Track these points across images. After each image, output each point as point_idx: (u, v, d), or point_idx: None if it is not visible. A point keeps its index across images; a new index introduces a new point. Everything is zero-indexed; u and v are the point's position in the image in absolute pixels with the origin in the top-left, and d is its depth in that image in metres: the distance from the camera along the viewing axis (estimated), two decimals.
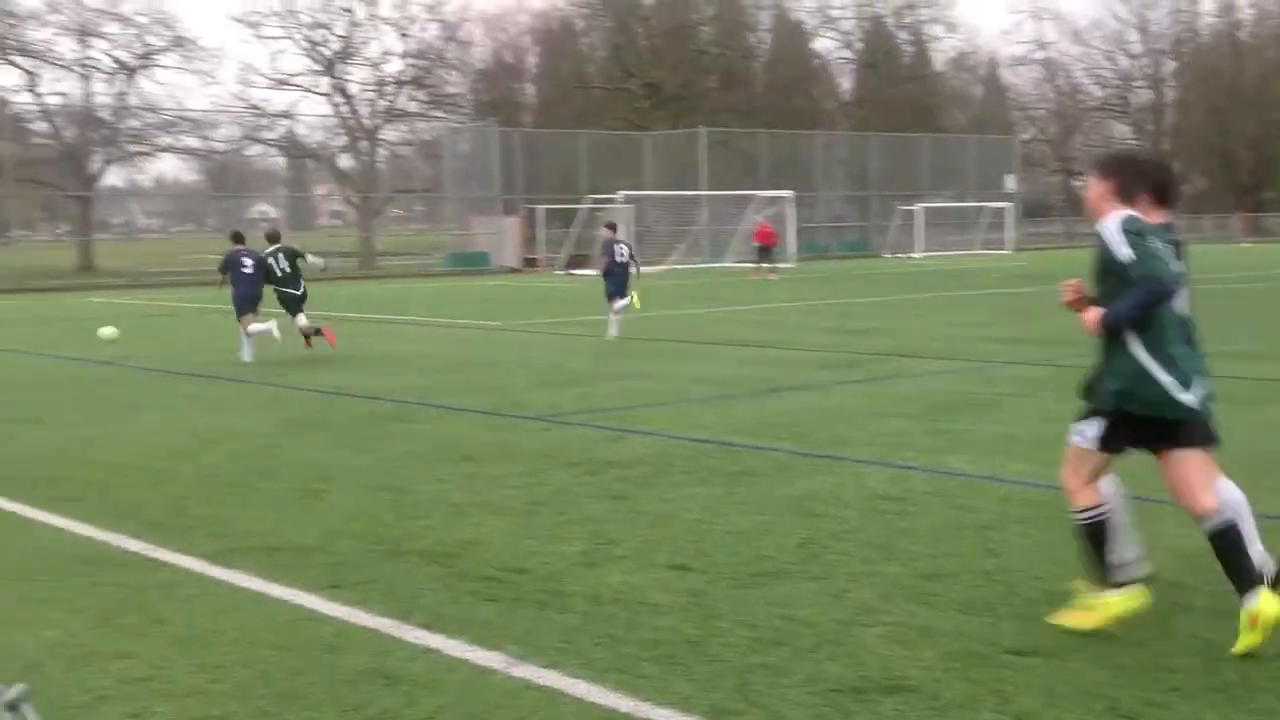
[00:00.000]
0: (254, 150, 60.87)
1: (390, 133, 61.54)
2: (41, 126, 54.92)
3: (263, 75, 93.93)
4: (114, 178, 58.02)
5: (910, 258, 54.43)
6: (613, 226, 21.92)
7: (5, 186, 47.11)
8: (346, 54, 59.50)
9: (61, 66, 54.15)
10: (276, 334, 17.50)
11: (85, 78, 55.00)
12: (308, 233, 61.76)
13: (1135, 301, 5.16)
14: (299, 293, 17.99)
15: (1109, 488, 5.80)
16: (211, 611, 5.96)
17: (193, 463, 9.81)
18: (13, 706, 0.85)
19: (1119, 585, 5.42)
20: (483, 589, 6.22)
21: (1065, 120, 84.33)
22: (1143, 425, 5.39)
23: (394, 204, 68.36)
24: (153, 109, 54.92)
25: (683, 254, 50.18)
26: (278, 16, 58.71)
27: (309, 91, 59.87)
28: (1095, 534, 5.54)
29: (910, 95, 73.77)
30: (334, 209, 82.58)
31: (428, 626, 5.63)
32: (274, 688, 4.94)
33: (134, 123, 54.70)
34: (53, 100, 54.12)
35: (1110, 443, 5.59)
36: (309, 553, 6.99)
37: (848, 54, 78.55)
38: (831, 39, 77.86)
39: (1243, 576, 5.18)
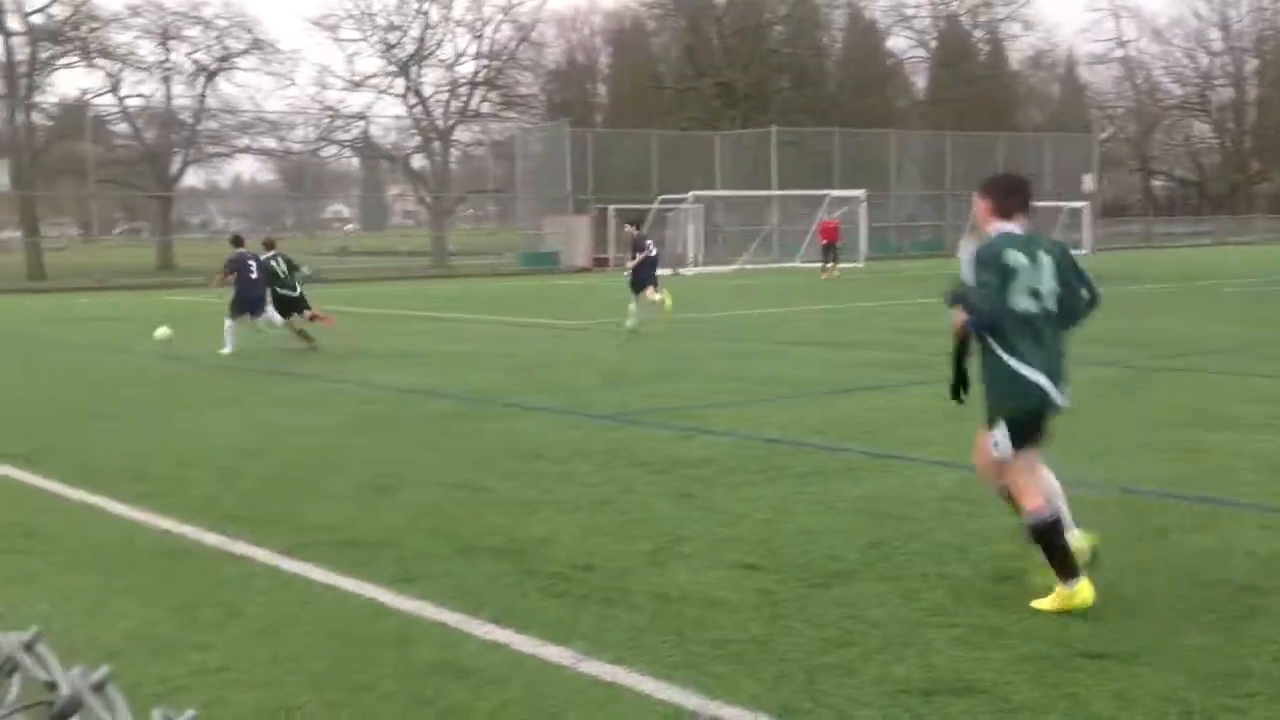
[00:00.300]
0: (329, 151, 61.62)
1: (463, 133, 61.99)
2: (123, 128, 55.94)
3: (339, 77, 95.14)
4: (192, 179, 58.97)
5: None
6: (636, 224, 23.14)
7: (88, 187, 48.03)
8: (421, 55, 60.02)
9: (143, 69, 55.17)
10: (278, 321, 19.15)
11: (166, 80, 55.98)
12: (380, 233, 62.34)
13: (974, 323, 6.21)
14: (296, 294, 19.23)
15: (1048, 483, 6.16)
16: (286, 604, 6.05)
17: (267, 458, 9.95)
18: (99, 687, 0.88)
19: (1075, 574, 5.75)
20: (551, 585, 6.26)
21: (1144, 119, 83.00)
22: (1032, 423, 6.12)
23: (466, 204, 68.85)
24: (231, 111, 55.79)
25: (753, 254, 49.99)
26: (354, 19, 59.39)
27: (384, 93, 60.47)
28: (1051, 531, 5.85)
29: (986, 94, 72.99)
30: (407, 209, 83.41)
31: (496, 621, 5.68)
32: (346, 679, 5.00)
33: (213, 124, 55.54)
34: (134, 102, 55.16)
35: (1022, 444, 6.07)
36: (380, 547, 7.07)
37: (922, 53, 77.95)
38: (906, 38, 77.30)
39: (1064, 567, 5.77)
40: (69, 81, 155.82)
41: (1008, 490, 6.10)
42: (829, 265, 40.51)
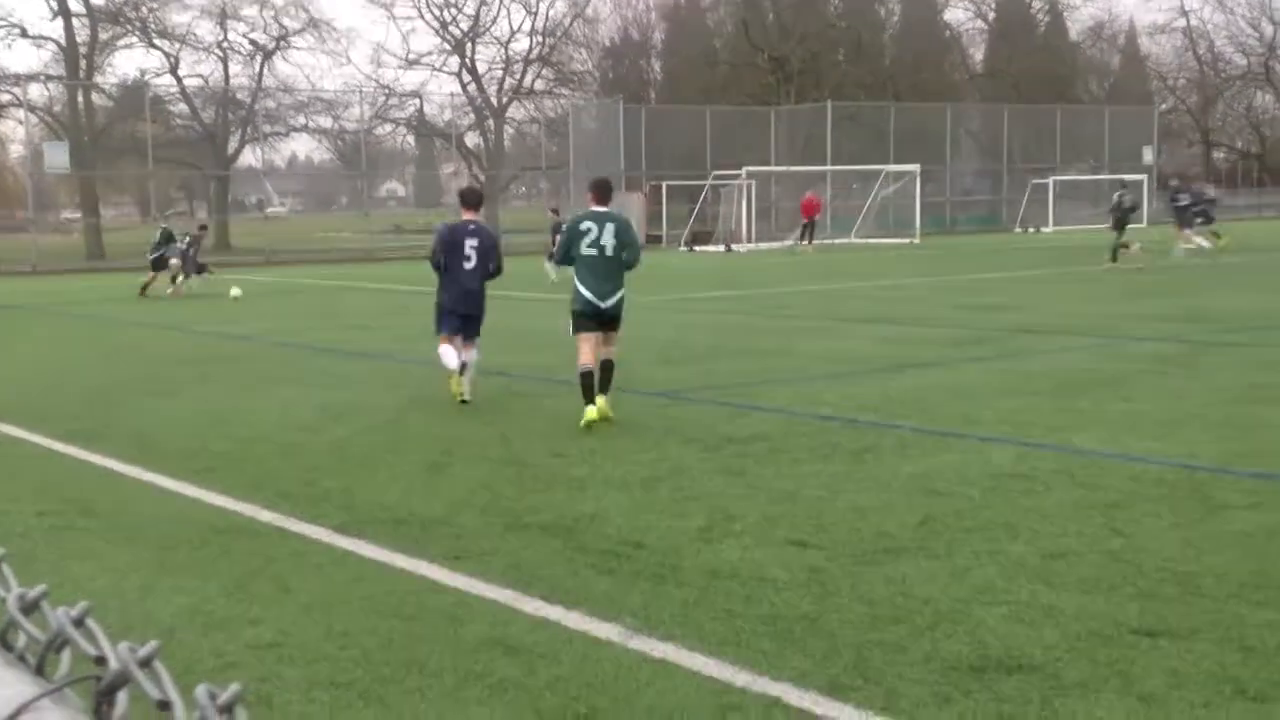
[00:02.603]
0: (384, 129, 61.93)
1: (517, 110, 62.12)
2: (181, 108, 56.49)
3: (394, 55, 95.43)
4: (249, 158, 59.46)
5: (1041, 231, 53.27)
6: (555, 210, 27.17)
7: (147, 167, 48.60)
8: (476, 33, 60.16)
9: (201, 49, 55.66)
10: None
11: (223, 60, 56.45)
12: (433, 210, 62.58)
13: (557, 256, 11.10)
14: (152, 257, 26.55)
15: (592, 353, 10.31)
16: (338, 581, 6.11)
17: (322, 436, 10.05)
18: (145, 662, 0.89)
19: (590, 404, 10.06)
20: (601, 562, 6.28)
21: (1206, 90, 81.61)
22: (592, 316, 10.36)
23: (519, 181, 68.98)
24: (287, 90, 56.19)
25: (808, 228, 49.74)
26: None
27: (438, 71, 60.90)
28: (583, 378, 10.19)
29: (1044, 66, 72.02)
30: (460, 186, 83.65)
31: (546, 598, 5.71)
32: (397, 655, 5.05)
33: (269, 103, 55.97)
34: (192, 82, 55.68)
35: (580, 328, 10.42)
36: (432, 524, 7.12)
37: (980, 24, 77.03)
38: (964, 9, 76.39)
39: (585, 398, 10.09)
40: (129, 62, 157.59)
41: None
42: (805, 241, 41.01)
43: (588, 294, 10.28)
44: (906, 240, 47.48)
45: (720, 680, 4.72)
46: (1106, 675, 4.65)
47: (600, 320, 10.35)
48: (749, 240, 46.40)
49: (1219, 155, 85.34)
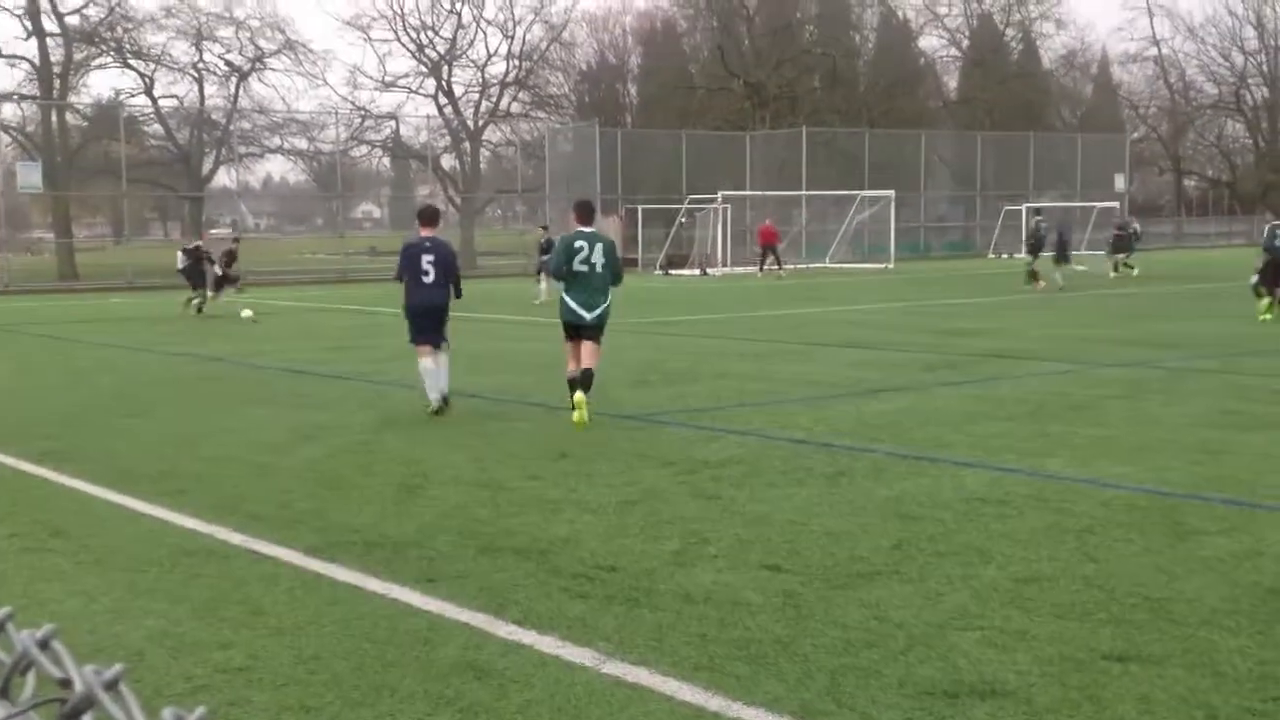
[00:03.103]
0: (359, 151, 61.90)
1: (493, 133, 62.20)
2: (156, 129, 56.33)
3: (370, 77, 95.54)
4: (224, 179, 59.30)
5: (1014, 257, 53.59)
6: (545, 227, 27.81)
7: (121, 187, 48.39)
8: (452, 56, 60.25)
9: (176, 69, 55.53)
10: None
11: (198, 80, 56.34)
12: (410, 232, 62.51)
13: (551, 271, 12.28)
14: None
15: (576, 362, 11.50)
16: (310, 604, 6.07)
17: (294, 458, 10.00)
18: (111, 686, 0.88)
19: (573, 408, 11.20)
20: (575, 586, 6.26)
21: (1178, 119, 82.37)
22: (571, 327, 11.48)
23: (495, 204, 69.00)
24: (263, 111, 56.09)
25: (783, 254, 49.92)
26: (386, 19, 59.65)
27: (414, 93, 60.77)
28: (570, 383, 11.37)
29: (1018, 93, 72.62)
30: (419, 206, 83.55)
31: (520, 622, 5.68)
32: (368, 679, 5.02)
33: (244, 124, 55.85)
34: (167, 103, 55.54)
35: (568, 337, 11.59)
36: (406, 547, 7.09)
37: (954, 52, 77.64)
38: (938, 37, 77.02)
39: (571, 399, 11.25)
40: (103, 82, 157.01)
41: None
42: (768, 267, 42.21)
43: (576, 306, 11.44)
44: (881, 266, 47.71)
45: (694, 705, 4.70)
46: (1078, 700, 4.66)
47: (584, 330, 11.46)
48: (724, 264, 46.51)
49: (1190, 183, 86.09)
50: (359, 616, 5.84)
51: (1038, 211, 36.81)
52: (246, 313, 25.20)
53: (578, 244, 11.44)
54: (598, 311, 11.46)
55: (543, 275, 28.22)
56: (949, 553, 6.75)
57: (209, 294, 26.80)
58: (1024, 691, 4.75)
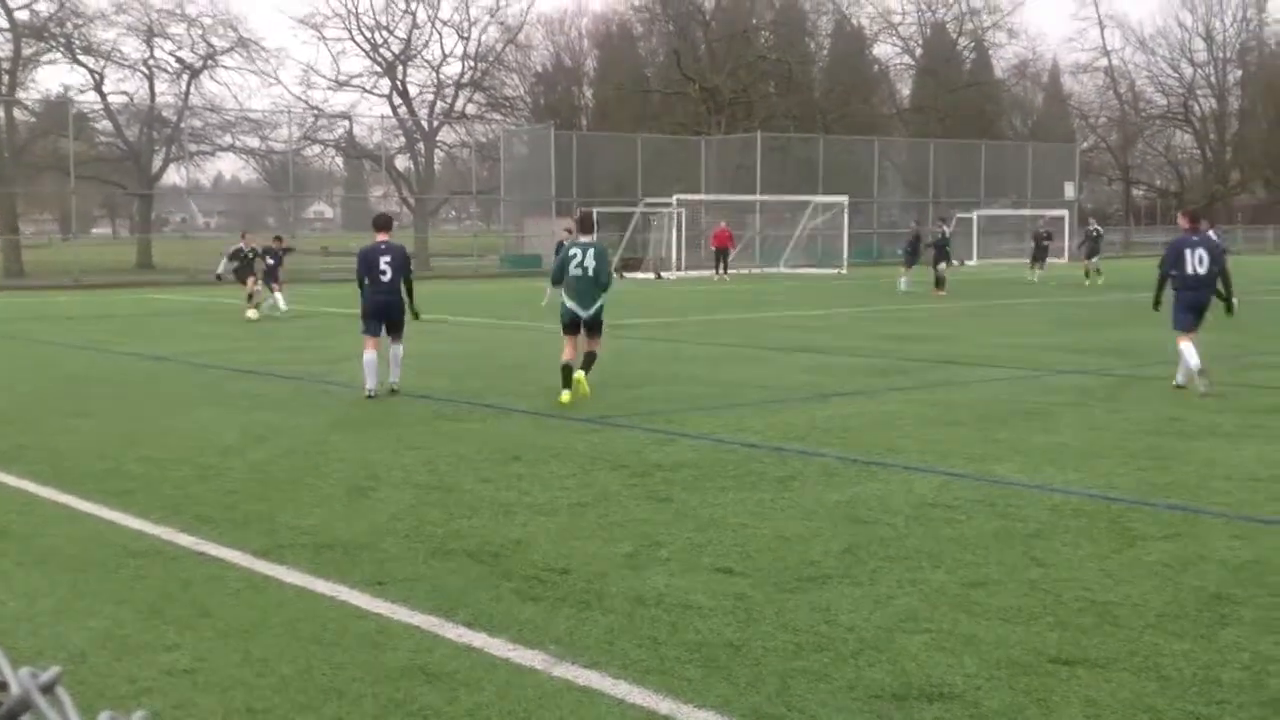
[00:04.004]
0: (312, 151, 61.49)
1: (448, 134, 61.97)
2: (105, 125, 55.73)
3: (323, 76, 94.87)
4: (174, 177, 58.73)
5: (965, 264, 54.01)
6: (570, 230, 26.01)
7: (70, 184, 47.83)
8: (407, 56, 60.00)
9: (126, 66, 54.94)
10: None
11: (149, 77, 55.76)
12: (362, 233, 62.13)
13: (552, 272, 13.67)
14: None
15: (573, 351, 12.89)
16: (257, 606, 6.01)
17: (243, 459, 9.91)
18: (48, 688, 0.86)
19: (567, 388, 12.68)
20: (526, 589, 6.24)
21: (1127, 129, 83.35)
22: (571, 324, 12.94)
23: (449, 205, 68.77)
24: (214, 109, 55.61)
25: (736, 259, 50.08)
26: (340, 18, 59.35)
27: (368, 93, 60.55)
28: (564, 369, 12.76)
29: (970, 102, 73.25)
30: (390, 209, 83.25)
31: (470, 625, 5.66)
32: (316, 682, 4.98)
33: (196, 122, 55.33)
34: (117, 99, 54.95)
35: (566, 333, 13.03)
36: (356, 550, 7.04)
37: (907, 60, 78.21)
38: (891, 45, 77.57)
39: (564, 383, 12.71)
40: (52, 78, 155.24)
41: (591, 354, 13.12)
42: (721, 272, 42.91)
43: (573, 306, 12.93)
44: (834, 271, 47.92)
45: (644, 708, 4.70)
46: (1025, 704, 4.70)
47: (580, 326, 13.00)
48: (679, 268, 46.57)
49: (1139, 193, 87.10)
50: (307, 619, 5.79)
51: (943, 220, 37.98)
52: (252, 313, 25.05)
53: (573, 252, 12.92)
54: (593, 310, 12.94)
55: None
56: (899, 557, 6.79)
57: (261, 289, 25.92)
58: (971, 695, 4.78)
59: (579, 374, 12.76)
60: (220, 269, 26.58)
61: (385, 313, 13.45)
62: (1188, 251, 13.77)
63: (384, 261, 13.35)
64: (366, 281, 13.46)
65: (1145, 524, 7.50)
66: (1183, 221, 14.23)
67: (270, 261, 25.99)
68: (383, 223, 13.96)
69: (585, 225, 13.40)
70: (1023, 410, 12.20)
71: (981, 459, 9.65)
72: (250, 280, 25.88)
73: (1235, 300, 13.64)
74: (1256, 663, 5.09)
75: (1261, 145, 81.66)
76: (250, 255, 26.07)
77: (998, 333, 21.17)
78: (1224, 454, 9.80)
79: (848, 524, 7.54)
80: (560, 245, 26.01)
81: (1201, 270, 13.74)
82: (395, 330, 13.60)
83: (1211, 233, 16.22)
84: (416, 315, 14.02)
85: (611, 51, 71.38)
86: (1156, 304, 14.55)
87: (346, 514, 7.94)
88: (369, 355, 13.34)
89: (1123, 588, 6.16)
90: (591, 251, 12.87)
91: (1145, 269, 32.35)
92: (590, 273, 12.81)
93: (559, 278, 13.11)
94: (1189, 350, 13.31)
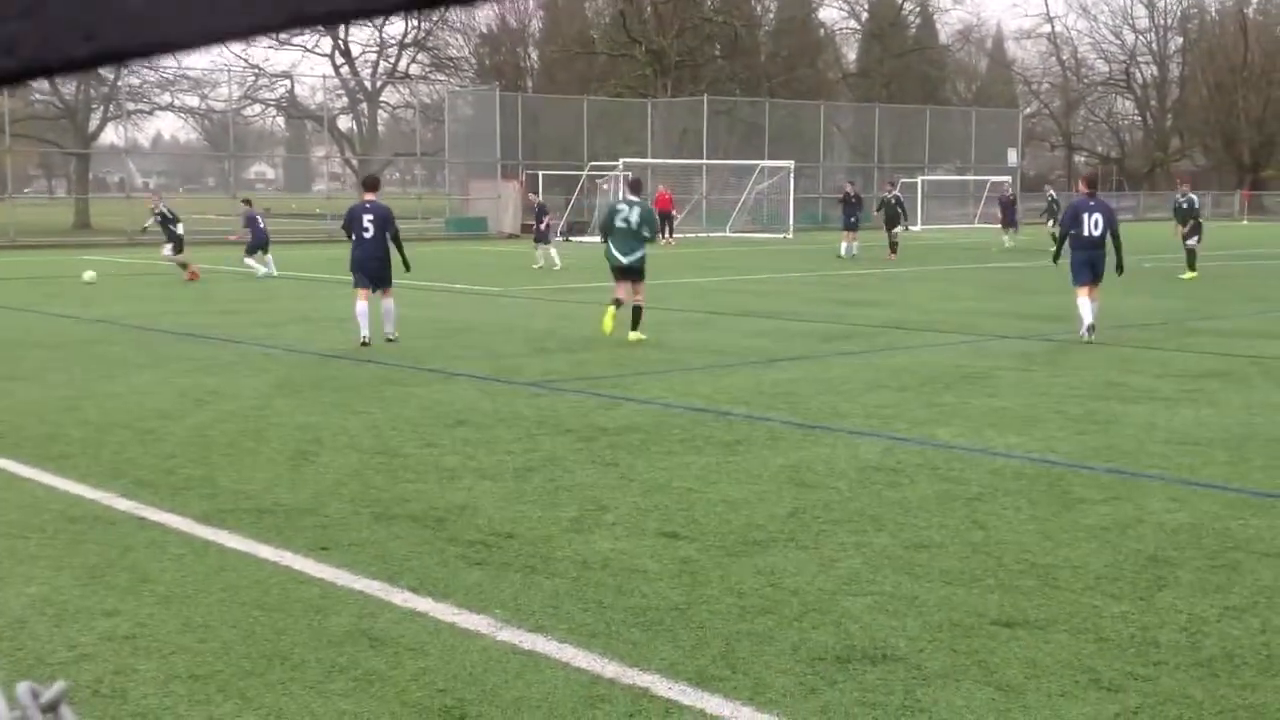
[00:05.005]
0: (253, 111, 60.70)
1: (391, 95, 61.43)
2: (40, 83, 54.66)
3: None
4: (112, 136, 57.78)
5: (909, 230, 54.32)
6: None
7: (4, 143, 46.94)
8: None
9: None
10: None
11: None
12: (305, 195, 61.62)
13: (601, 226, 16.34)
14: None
15: (623, 291, 14.94)
16: (199, 571, 5.96)
17: (184, 423, 9.80)
18: (50, 708, 0.83)
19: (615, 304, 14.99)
20: (471, 553, 6.22)
21: (1069, 95, 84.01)
22: (617, 270, 15.03)
23: (393, 167, 68.19)
24: (152, 67, 54.64)
25: (682, 222, 50.07)
26: None
27: (310, 51, 60.04)
28: (616, 302, 14.93)
29: (915, 67, 73.48)
30: (333, 171, 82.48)
31: (415, 590, 5.64)
32: (259, 648, 4.94)
33: (133, 80, 54.41)
34: None
35: (616, 279, 15.20)
36: (299, 514, 6.99)
37: (853, 24, 78.29)
38: (837, 9, 77.66)
39: (616, 306, 14.96)
40: None
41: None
42: (666, 236, 42.46)
43: (617, 254, 14.97)
44: (780, 235, 48.03)
45: (589, 671, 4.71)
46: (967, 665, 4.75)
47: (625, 271, 14.97)
48: None
49: (1080, 159, 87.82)
50: (250, 584, 5.75)
51: (891, 185, 38.22)
52: (89, 274, 24.25)
53: (619, 208, 15.27)
54: (634, 257, 14.89)
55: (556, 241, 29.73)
56: (843, 520, 6.84)
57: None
58: (914, 656, 4.83)
59: (632, 333, 14.87)
60: (148, 223, 27.00)
61: (367, 267, 14.50)
62: (1085, 214, 15.15)
63: (367, 219, 14.46)
64: (352, 237, 14.63)
65: (1085, 487, 7.60)
66: (1082, 187, 15.84)
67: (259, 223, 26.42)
68: (370, 183, 15.17)
69: (635, 188, 15.97)
70: (966, 375, 12.31)
71: (924, 423, 9.73)
72: (169, 247, 26.06)
73: (1125, 260, 15.18)
74: (1193, 624, 5.18)
75: (1201, 112, 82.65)
76: (173, 217, 26.09)
77: (942, 298, 21.32)
78: (1162, 418, 9.94)
79: (793, 488, 7.58)
80: (612, 205, 28.14)
81: (1096, 232, 15.06)
82: (381, 284, 14.59)
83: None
84: (408, 268, 15.22)
85: (557, 12, 70.87)
86: (1056, 258, 16.93)
87: (289, 478, 7.88)
88: (360, 305, 14.46)
89: (1062, 550, 6.24)
90: (637, 209, 15.06)
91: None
92: (633, 226, 14.92)
93: (608, 230, 15.14)
94: (1084, 304, 14.91)
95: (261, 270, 26.14)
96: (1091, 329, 14.76)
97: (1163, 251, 30.59)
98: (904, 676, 4.64)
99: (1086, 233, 15.06)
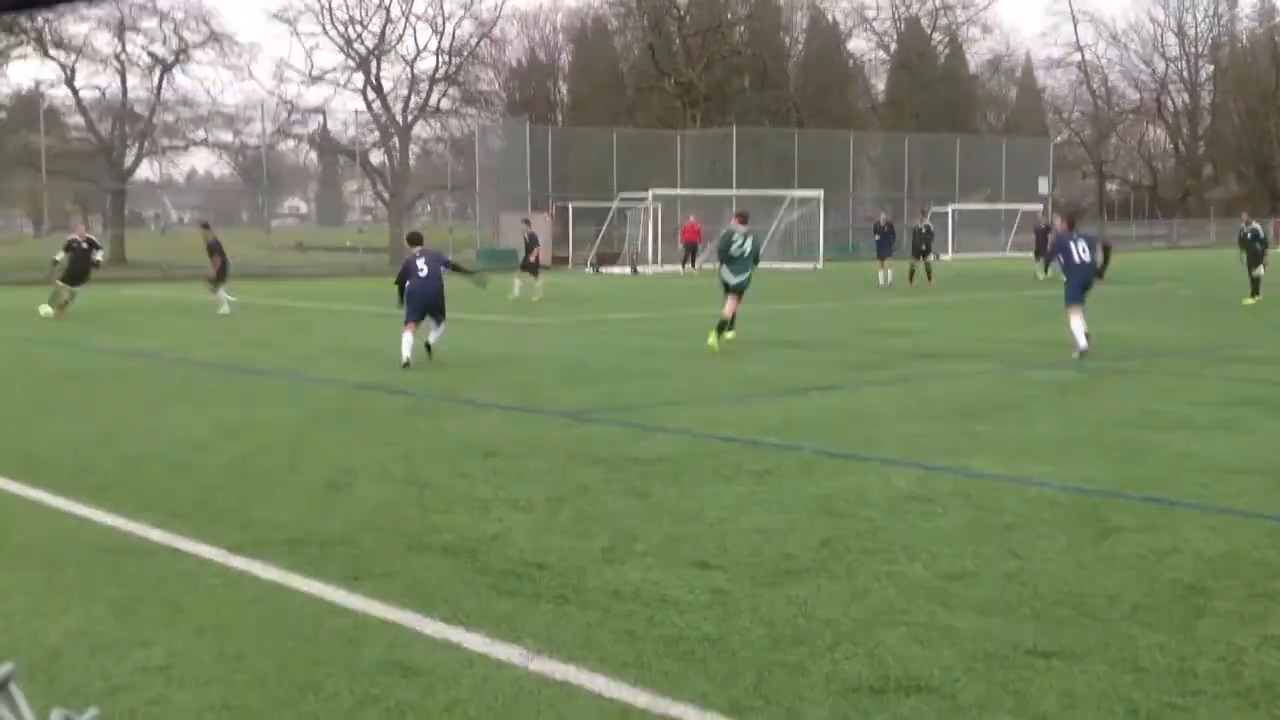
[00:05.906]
0: (286, 145, 61.16)
1: (423, 129, 61.72)
2: (77, 120, 55.28)
3: (297, 71, 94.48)
4: (147, 172, 58.28)
5: (940, 258, 54.17)
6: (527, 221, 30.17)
7: (41, 179, 47.48)
8: (381, 50, 59.69)
9: (98, 61, 54.50)
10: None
11: (121, 72, 55.33)
12: (337, 228, 61.96)
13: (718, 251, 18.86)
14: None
15: (730, 310, 17.72)
16: (232, 602, 5.98)
17: (218, 454, 9.85)
18: (1, 685, 0.84)
19: (721, 330, 17.46)
20: (503, 584, 6.22)
21: (1100, 124, 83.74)
22: (731, 289, 17.70)
23: (424, 200, 68.54)
24: (187, 103, 55.22)
25: (710, 254, 50.11)
26: (313, 12, 58.99)
27: (343, 87, 60.20)
28: (723, 324, 17.56)
29: (944, 97, 73.42)
30: (365, 205, 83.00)
31: (447, 620, 5.63)
32: (292, 678, 4.95)
33: (168, 117, 54.95)
34: (89, 94, 54.50)
35: (730, 293, 17.82)
36: (331, 545, 7.00)
37: (882, 55, 78.35)
38: (866, 40, 77.68)
39: (720, 328, 17.49)
40: (23, 72, 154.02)
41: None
42: (688, 266, 43.33)
43: (732, 276, 17.55)
44: (810, 265, 47.97)
45: (621, 702, 4.69)
46: (1002, 696, 4.70)
47: (734, 289, 17.54)
48: (654, 262, 46.56)
49: (1112, 187, 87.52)
50: (283, 615, 5.76)
51: (924, 213, 38.18)
52: (45, 309, 23.91)
53: (735, 237, 17.62)
54: (742, 278, 17.52)
55: (536, 271, 29.94)
56: (876, 550, 6.80)
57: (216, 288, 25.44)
58: (948, 687, 4.79)
59: (728, 333, 17.42)
60: (57, 257, 25.30)
61: (424, 302, 15.69)
62: (1071, 244, 16.33)
63: (420, 263, 15.83)
64: (408, 283, 15.75)
65: (1121, 516, 7.53)
66: (1061, 225, 17.28)
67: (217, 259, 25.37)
68: (414, 239, 16.64)
69: (744, 219, 18.31)
70: (998, 403, 12.24)
71: (958, 452, 9.67)
72: (59, 279, 24.78)
73: (1106, 270, 16.89)
74: (1231, 654, 5.11)
75: (1234, 139, 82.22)
76: (84, 246, 24.83)
77: (974, 325, 21.24)
78: (1198, 446, 9.85)
79: (825, 517, 7.55)
80: (727, 233, 29.05)
81: (1086, 257, 16.27)
82: (435, 315, 15.84)
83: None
84: (483, 284, 18.05)
85: (586, 46, 71.24)
86: (1045, 269, 19.11)
87: (322, 509, 7.90)
88: (407, 335, 15.49)
89: (1098, 579, 6.18)
90: (750, 238, 17.74)
91: (1119, 263, 32.52)
92: (746, 254, 17.51)
93: (724, 257, 17.63)
94: (1077, 322, 15.90)
95: (227, 305, 25.01)
96: (1084, 353, 15.58)
97: (1196, 279, 30.37)
98: (938, 707, 4.60)
99: (1076, 259, 16.21)
